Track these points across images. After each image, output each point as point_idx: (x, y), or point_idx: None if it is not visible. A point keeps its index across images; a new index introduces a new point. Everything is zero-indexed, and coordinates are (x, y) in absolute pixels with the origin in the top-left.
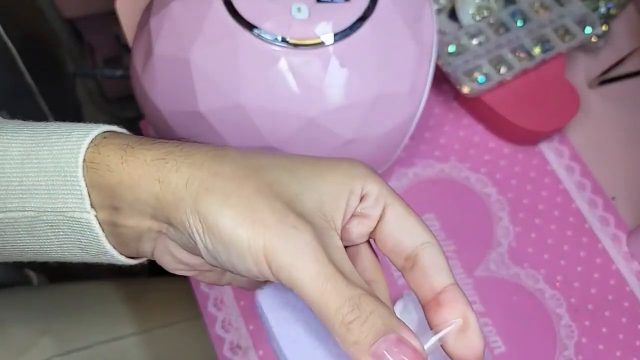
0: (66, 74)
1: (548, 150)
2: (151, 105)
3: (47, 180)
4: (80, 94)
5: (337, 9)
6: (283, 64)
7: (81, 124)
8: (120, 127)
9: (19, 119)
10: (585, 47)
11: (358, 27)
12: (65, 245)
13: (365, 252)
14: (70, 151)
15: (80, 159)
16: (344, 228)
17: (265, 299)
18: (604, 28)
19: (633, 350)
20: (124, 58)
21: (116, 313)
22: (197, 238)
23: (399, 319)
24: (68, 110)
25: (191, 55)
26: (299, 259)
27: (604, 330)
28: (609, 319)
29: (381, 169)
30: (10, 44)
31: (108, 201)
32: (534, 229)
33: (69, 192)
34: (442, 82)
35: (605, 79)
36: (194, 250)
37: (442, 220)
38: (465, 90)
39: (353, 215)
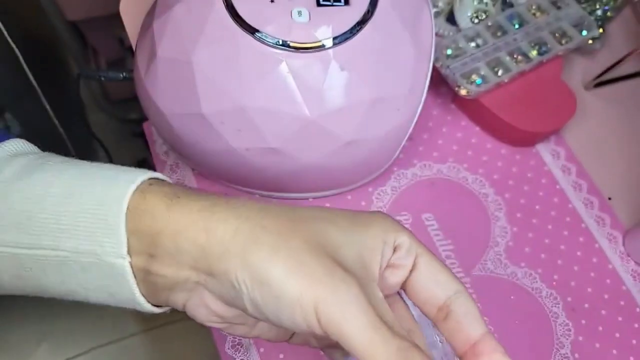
0: (70, 75)
1: (545, 151)
2: (154, 107)
3: (87, 222)
4: (83, 96)
5: (337, 13)
6: (284, 67)
7: (126, 168)
8: (164, 175)
9: (22, 120)
10: (582, 50)
11: (358, 31)
12: (92, 289)
13: (399, 302)
14: (115, 197)
15: (124, 206)
16: (379, 278)
17: None
18: (600, 30)
19: (629, 348)
20: (128, 60)
21: (115, 314)
22: (244, 289)
23: None
24: (72, 112)
25: (194, 58)
26: (348, 312)
27: (600, 328)
28: (605, 317)
29: (380, 170)
30: (14, 46)
31: (146, 248)
32: (531, 229)
33: (108, 236)
34: (440, 84)
35: (601, 81)
36: (233, 302)
37: (441, 220)
38: (463, 92)
39: (387, 266)
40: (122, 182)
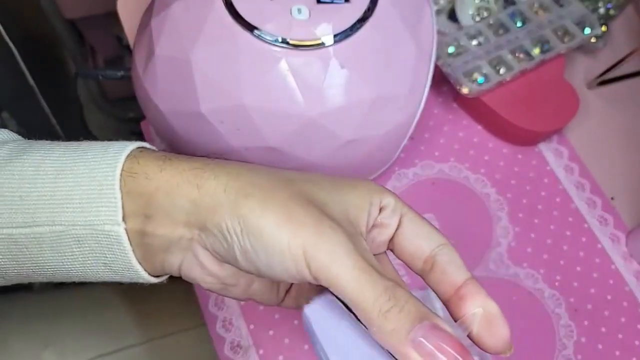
0: (68, 74)
1: (547, 150)
2: (152, 106)
3: (82, 193)
4: (81, 95)
5: (337, 10)
6: (283, 65)
7: (116, 142)
8: (150, 145)
9: (20, 119)
10: (585, 48)
11: (358, 28)
12: (88, 262)
13: (386, 261)
14: (109, 164)
15: (119, 170)
16: (367, 237)
17: (312, 313)
18: (603, 29)
19: (632, 349)
20: (126, 59)
21: (119, 322)
22: (235, 240)
23: (429, 309)
24: (69, 111)
25: (192, 56)
26: (336, 256)
27: (603, 329)
28: (608, 318)
29: (381, 169)
30: (12, 45)
31: (142, 209)
32: (533, 229)
33: (103, 203)
34: (442, 82)
35: (604, 80)
36: (225, 256)
37: (442, 220)
38: (465, 90)
39: (374, 226)
40: (114, 151)
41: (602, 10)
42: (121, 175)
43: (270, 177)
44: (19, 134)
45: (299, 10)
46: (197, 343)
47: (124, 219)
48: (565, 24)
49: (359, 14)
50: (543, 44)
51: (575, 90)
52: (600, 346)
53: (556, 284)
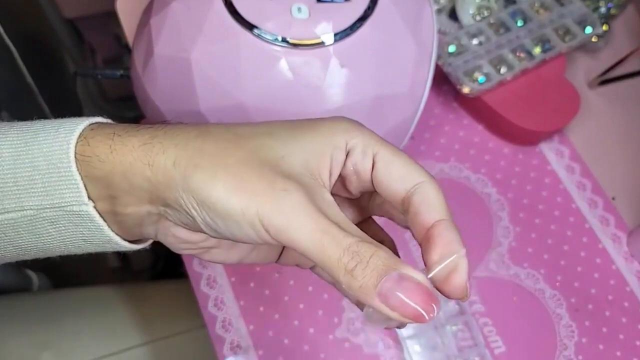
0: (67, 74)
1: (548, 150)
2: (152, 105)
3: (42, 177)
4: (80, 94)
5: (337, 9)
6: (283, 64)
7: (67, 119)
8: (105, 118)
9: (18, 118)
10: (586, 47)
11: (358, 27)
12: (67, 240)
13: (372, 225)
14: (60, 147)
15: (72, 154)
16: (344, 188)
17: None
18: (604, 28)
19: (633, 350)
20: (125, 58)
21: (118, 323)
22: (194, 213)
23: (399, 258)
24: (68, 111)
25: (192, 55)
26: (293, 219)
27: (604, 330)
28: (609, 319)
29: None
30: (10, 44)
31: (105, 191)
32: (534, 229)
33: (65, 187)
34: (443, 82)
35: (605, 79)
36: (194, 227)
37: None
38: (466, 90)
39: (347, 174)
40: (64, 133)
41: (603, 10)
42: (75, 157)
43: (219, 139)
44: None
45: (299, 9)
46: (198, 344)
47: (91, 200)
48: (566, 23)
49: (359, 12)
50: (544, 43)
51: (577, 89)
52: (601, 346)
53: (557, 284)
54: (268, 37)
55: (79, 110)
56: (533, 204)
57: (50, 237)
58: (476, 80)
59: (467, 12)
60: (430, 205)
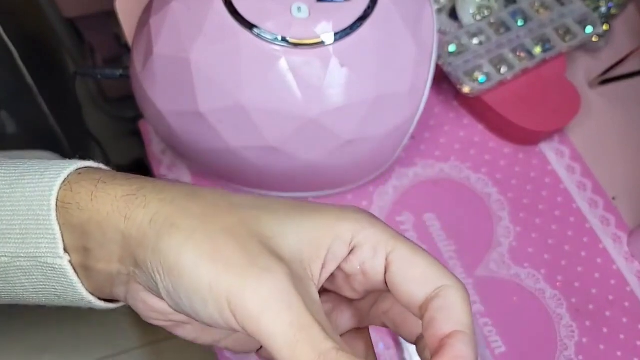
0: (66, 73)
1: (549, 150)
2: (151, 105)
3: (21, 224)
4: (80, 94)
5: (338, 9)
6: (283, 64)
7: (55, 162)
8: (97, 162)
9: (18, 118)
10: (586, 47)
11: (358, 27)
12: (40, 293)
13: (364, 336)
14: (42, 194)
15: (53, 202)
16: (349, 286)
17: None
18: (604, 27)
19: (634, 350)
20: (124, 58)
21: (118, 326)
22: (158, 279)
23: None
24: (68, 110)
25: (191, 55)
26: (269, 307)
27: (605, 330)
28: (609, 319)
29: (381, 169)
30: (10, 44)
31: (79, 242)
32: (534, 229)
33: (42, 236)
34: (443, 81)
35: (606, 79)
36: (159, 295)
37: (443, 220)
38: (466, 90)
39: (352, 272)
40: (48, 178)
41: (603, 9)
42: (57, 205)
43: (209, 202)
44: (18, 134)
45: (299, 9)
46: (198, 346)
47: (67, 251)
48: (567, 23)
49: (359, 12)
50: (544, 42)
51: (577, 89)
52: (602, 347)
53: (557, 284)
54: (268, 36)
55: (78, 110)
56: (533, 203)
57: (22, 288)
58: (476, 79)
59: (468, 12)
60: (452, 313)
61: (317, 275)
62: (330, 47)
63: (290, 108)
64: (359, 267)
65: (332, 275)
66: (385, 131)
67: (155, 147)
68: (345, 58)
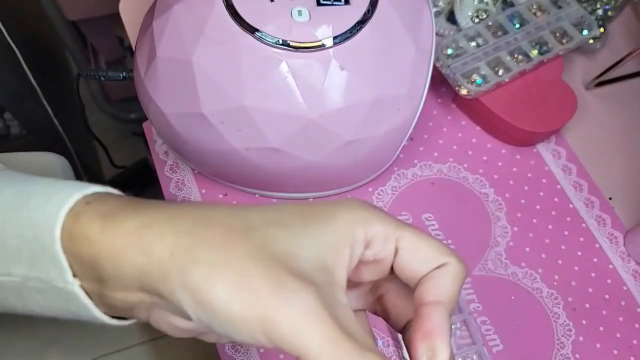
0: (70, 75)
1: (545, 151)
2: (154, 107)
3: (28, 248)
4: (83, 96)
5: (337, 12)
6: (284, 67)
7: (62, 185)
8: (105, 187)
9: (22, 120)
10: (583, 49)
11: (358, 30)
12: (55, 310)
13: (364, 319)
14: (46, 221)
15: (57, 232)
16: (356, 275)
17: None
18: (601, 30)
19: (629, 348)
20: (128, 60)
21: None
22: (189, 311)
23: None
24: (71, 112)
25: (194, 58)
26: (302, 326)
27: (601, 329)
28: (606, 317)
29: (381, 169)
30: (14, 47)
31: (92, 273)
32: (531, 229)
33: (49, 263)
34: (441, 84)
35: (602, 81)
36: (189, 318)
37: (441, 220)
38: (464, 92)
39: (363, 264)
40: (54, 205)
41: (600, 12)
42: (63, 235)
43: (224, 227)
44: (22, 135)
45: (300, 12)
46: (200, 342)
47: (77, 277)
48: (564, 26)
49: (358, 15)
50: (541, 45)
51: (573, 91)
52: (598, 345)
53: (554, 283)
54: (269, 39)
55: (81, 111)
56: (530, 204)
57: (37, 305)
58: (474, 82)
59: (465, 15)
60: (439, 284)
61: (344, 280)
62: (330, 50)
63: (291, 110)
64: (372, 259)
65: None
66: (385, 132)
67: (158, 148)
68: (345, 61)
